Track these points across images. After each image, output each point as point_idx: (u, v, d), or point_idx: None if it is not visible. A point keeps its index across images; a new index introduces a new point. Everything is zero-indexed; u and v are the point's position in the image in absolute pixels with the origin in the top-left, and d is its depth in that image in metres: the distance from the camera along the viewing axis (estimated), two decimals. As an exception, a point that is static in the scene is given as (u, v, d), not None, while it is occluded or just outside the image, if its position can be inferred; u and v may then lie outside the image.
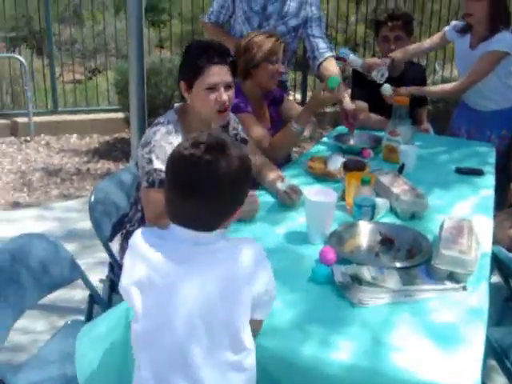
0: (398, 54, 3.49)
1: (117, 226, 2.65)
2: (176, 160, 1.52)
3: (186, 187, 1.48)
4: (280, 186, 2.37)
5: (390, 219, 2.31)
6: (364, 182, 2.22)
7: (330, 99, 2.89)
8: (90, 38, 7.28)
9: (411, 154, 2.81)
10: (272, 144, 2.91)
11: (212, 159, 1.46)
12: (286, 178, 2.44)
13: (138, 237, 1.57)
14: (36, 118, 6.06)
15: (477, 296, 1.82)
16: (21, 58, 5.99)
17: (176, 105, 2.52)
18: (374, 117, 3.40)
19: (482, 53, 3.31)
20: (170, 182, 1.52)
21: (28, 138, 5.94)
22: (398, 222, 2.30)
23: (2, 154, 5.60)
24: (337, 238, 2.08)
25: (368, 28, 8.31)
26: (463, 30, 3.45)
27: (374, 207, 2.22)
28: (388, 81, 3.42)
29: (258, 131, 2.93)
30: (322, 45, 3.51)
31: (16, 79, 6.39)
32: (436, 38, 3.66)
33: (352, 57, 3.45)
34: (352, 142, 3.17)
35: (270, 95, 3.17)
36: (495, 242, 2.89)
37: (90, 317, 2.39)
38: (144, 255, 1.51)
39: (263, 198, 2.47)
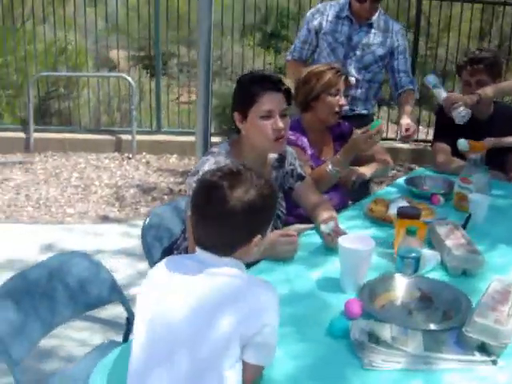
0: (487, 91, 3.20)
1: (167, 251, 2.65)
2: (197, 185, 1.64)
3: (200, 210, 1.58)
4: (323, 228, 2.27)
5: (439, 274, 2.14)
6: (409, 232, 2.07)
7: (366, 143, 2.73)
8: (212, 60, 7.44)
9: (482, 203, 2.61)
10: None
11: (225, 185, 1.53)
12: (332, 221, 2.32)
13: (157, 267, 1.62)
14: (140, 137, 6.28)
15: (509, 373, 1.63)
16: (129, 79, 6.24)
17: (232, 136, 2.49)
18: (457, 161, 3.20)
19: None
20: (191, 204, 1.62)
21: (130, 155, 6.16)
22: (447, 278, 2.12)
23: (103, 169, 5.84)
24: (369, 290, 1.94)
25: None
26: None
27: (418, 260, 2.06)
28: (473, 124, 3.22)
29: None
30: (404, 79, 3.51)
31: (126, 98, 6.66)
32: None
33: (435, 87, 3.28)
34: (426, 186, 3.00)
35: (336, 129, 3.09)
36: None
37: (126, 339, 2.39)
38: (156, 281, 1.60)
39: (311, 238, 2.38)
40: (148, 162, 6.08)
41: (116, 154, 6.24)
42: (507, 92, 3.39)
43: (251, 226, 1.57)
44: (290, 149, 2.64)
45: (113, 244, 4.30)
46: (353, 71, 3.48)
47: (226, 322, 1.44)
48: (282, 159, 2.58)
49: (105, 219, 4.78)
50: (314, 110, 2.94)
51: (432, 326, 1.77)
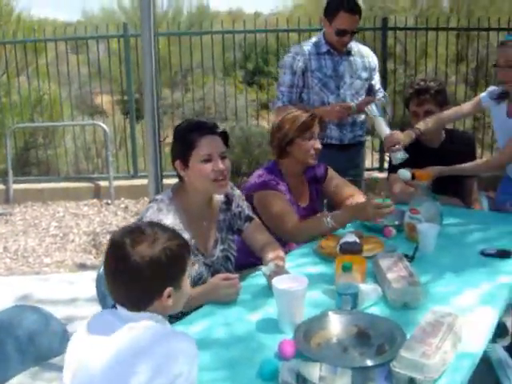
0: (428, 124, 3.27)
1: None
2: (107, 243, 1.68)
3: (107, 268, 1.63)
4: (264, 269, 2.28)
5: (380, 308, 2.15)
6: (345, 269, 2.09)
7: (373, 213, 2.74)
8: (193, 101, 7.55)
9: (430, 233, 2.62)
10: (299, 228, 2.84)
11: (128, 242, 1.58)
12: (272, 262, 2.33)
13: (81, 324, 1.66)
14: (118, 182, 6.33)
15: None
16: (103, 126, 6.31)
17: (175, 183, 2.53)
18: (412, 191, 3.22)
19: None
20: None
21: (109, 201, 6.20)
22: (387, 311, 2.13)
23: (82, 216, 5.87)
24: (305, 329, 1.94)
25: (469, 88, 8.07)
26: (500, 98, 3.24)
27: (356, 295, 2.07)
28: (425, 152, 3.27)
29: (282, 211, 2.88)
30: (381, 95, 3.78)
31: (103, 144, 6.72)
32: (471, 104, 3.43)
33: (377, 118, 3.35)
34: (379, 218, 3.01)
35: (310, 173, 3.13)
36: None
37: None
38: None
39: (255, 280, 2.39)
40: (126, 207, 6.12)
41: (95, 200, 6.29)
42: (446, 121, 3.42)
43: (158, 280, 1.61)
44: (237, 191, 2.68)
45: (88, 292, 4.29)
46: (347, 99, 3.64)
47: (141, 376, 1.45)
48: (229, 202, 2.61)
49: (82, 267, 4.80)
50: (291, 155, 3.01)
51: (364, 363, 1.78)
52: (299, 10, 12.39)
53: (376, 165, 6.77)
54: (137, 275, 1.57)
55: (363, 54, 3.76)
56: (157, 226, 1.70)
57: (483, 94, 3.37)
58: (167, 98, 7.86)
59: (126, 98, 8.40)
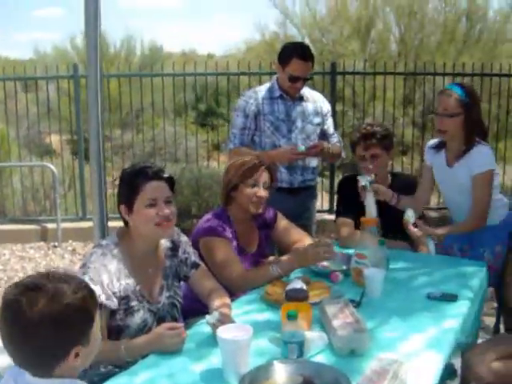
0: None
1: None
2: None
3: (3, 328, 1.47)
4: (208, 318, 2.23)
5: (327, 355, 2.13)
6: (289, 317, 2.06)
7: (314, 259, 2.77)
8: (146, 141, 7.53)
9: (376, 277, 2.62)
10: (244, 277, 2.81)
11: (24, 301, 1.44)
12: (216, 311, 2.28)
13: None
14: (66, 224, 6.21)
15: None
16: (51, 167, 6.22)
17: (120, 227, 2.49)
18: (360, 235, 3.23)
19: (465, 172, 3.15)
20: None
21: (56, 244, 6.07)
22: (334, 359, 2.11)
23: (28, 259, 5.72)
24: (250, 380, 1.90)
25: (417, 130, 8.24)
26: (438, 147, 3.30)
27: (301, 344, 2.05)
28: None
29: (226, 259, 2.85)
30: (335, 140, 3.87)
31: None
32: (425, 173, 3.47)
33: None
34: (325, 263, 3.00)
35: (259, 219, 3.12)
36: (472, 378, 2.66)
37: None
38: None
39: (201, 328, 2.33)
40: (74, 250, 5.99)
41: (42, 243, 6.14)
42: (423, 203, 3.53)
43: (62, 340, 1.48)
44: (184, 237, 2.65)
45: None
46: (299, 143, 3.67)
47: None
48: (175, 248, 2.58)
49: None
50: (235, 201, 3.00)
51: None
52: (251, 53, 12.55)
53: (326, 207, 6.81)
54: (35, 337, 1.43)
55: (315, 100, 3.82)
56: (58, 278, 1.54)
57: (424, 157, 3.46)
58: (118, 138, 7.82)
59: (75, 137, 8.37)
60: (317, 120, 3.78)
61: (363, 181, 3.07)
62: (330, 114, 3.90)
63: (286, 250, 3.14)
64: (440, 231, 3.22)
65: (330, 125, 3.88)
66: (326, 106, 3.88)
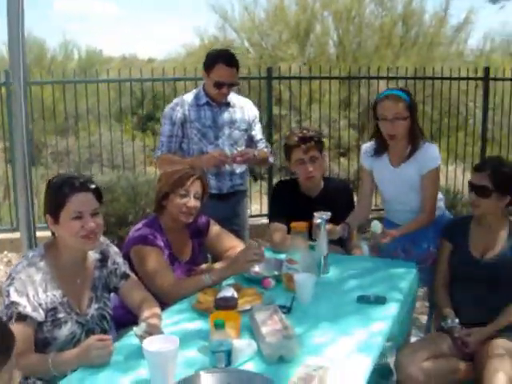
0: (354, 221, 3.36)
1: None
2: None
3: None
4: (135, 329, 2.20)
5: (256, 363, 2.12)
6: (217, 326, 2.05)
7: (246, 263, 2.78)
8: (83, 148, 7.38)
9: (306, 283, 2.64)
10: (176, 286, 2.78)
11: None
12: (144, 322, 2.25)
13: None
14: (0, 235, 6.05)
15: None
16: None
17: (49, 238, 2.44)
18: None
19: (414, 171, 3.24)
20: None
21: (-10, 256, 5.91)
22: (263, 366, 2.10)
23: (-38, 273, 5.55)
24: (176, 391, 1.89)
25: (356, 132, 8.37)
26: (379, 152, 3.35)
27: (229, 352, 2.04)
28: (306, 202, 3.34)
29: (157, 268, 2.82)
30: (262, 146, 3.88)
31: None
32: (364, 179, 3.53)
33: None
34: (257, 268, 3.01)
35: (191, 227, 3.10)
36: (404, 379, 2.71)
37: None
38: None
39: (130, 340, 2.29)
40: (9, 261, 5.84)
41: (-23, 255, 5.97)
42: (367, 211, 3.59)
43: None
44: (113, 248, 2.61)
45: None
46: (226, 149, 3.67)
47: None
48: (104, 258, 2.54)
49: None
50: (166, 209, 2.98)
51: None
52: (191, 58, 12.53)
53: (265, 211, 6.80)
54: None
55: (242, 106, 3.83)
56: None
57: (361, 162, 3.52)
58: (56, 145, 7.65)
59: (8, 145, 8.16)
60: (244, 126, 3.79)
61: (318, 218, 3.03)
62: (257, 120, 3.91)
63: (220, 257, 3.13)
64: (396, 233, 3.23)
65: (257, 131, 3.90)
66: (254, 112, 3.89)
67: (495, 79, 7.68)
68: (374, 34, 12.03)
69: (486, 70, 7.50)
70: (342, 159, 8.58)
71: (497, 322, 2.87)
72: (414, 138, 3.23)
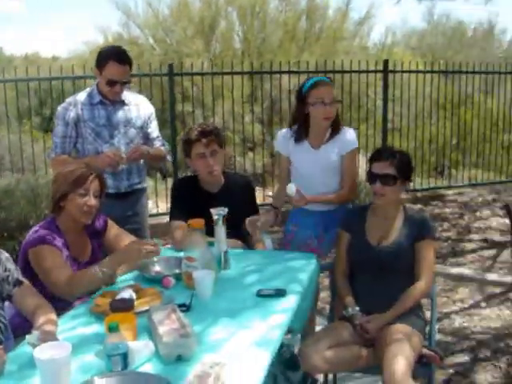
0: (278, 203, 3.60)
1: None
2: None
3: None
4: (28, 338, 2.13)
5: (154, 364, 2.10)
6: (111, 329, 2.02)
7: (138, 255, 2.77)
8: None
9: (205, 280, 2.64)
10: (71, 282, 2.72)
11: None
12: (37, 331, 2.18)
13: None
14: None
15: None
16: None
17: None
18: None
19: (336, 152, 3.45)
20: None
21: None
22: (161, 366, 2.08)
23: None
24: (69, 399, 1.85)
25: (263, 127, 8.43)
26: (301, 137, 3.49)
27: (125, 355, 2.01)
28: (206, 197, 3.34)
29: (54, 266, 2.76)
30: (159, 144, 3.86)
31: None
32: (282, 164, 3.66)
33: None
34: (158, 268, 2.98)
35: (89, 227, 3.03)
36: (308, 369, 2.75)
37: None
38: None
39: (25, 349, 2.22)
40: None
41: None
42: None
43: None
44: (4, 254, 2.53)
45: None
46: (122, 148, 3.61)
47: None
48: (-6, 264, 2.45)
49: None
50: (65, 210, 2.91)
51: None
52: (95, 55, 12.25)
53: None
54: None
55: (137, 103, 3.79)
56: None
57: (278, 149, 3.64)
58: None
59: None
60: (139, 123, 3.75)
61: (215, 215, 3.02)
62: (153, 117, 3.87)
63: None
64: (311, 197, 3.37)
65: (153, 128, 3.86)
66: (149, 110, 3.86)
67: (394, 71, 7.94)
68: (279, 29, 12.17)
69: (386, 62, 7.73)
70: (250, 154, 8.65)
71: (395, 308, 2.96)
72: (337, 121, 3.46)
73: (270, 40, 11.93)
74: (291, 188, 3.28)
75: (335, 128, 3.45)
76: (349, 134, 3.48)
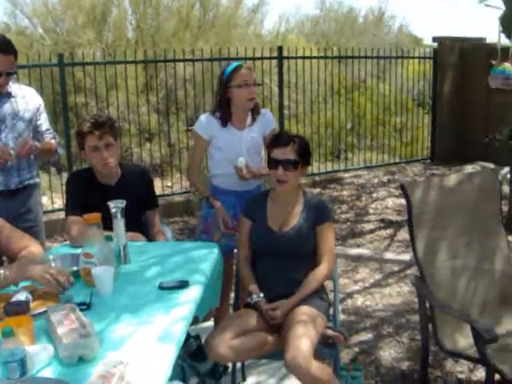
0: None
1: None
2: None
3: None
4: None
5: (55, 368, 2.01)
6: (5, 334, 1.92)
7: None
8: None
9: (105, 276, 2.56)
10: None
11: None
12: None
13: None
14: None
15: None
16: None
17: None
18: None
19: (259, 131, 3.67)
20: None
21: None
22: (63, 368, 2.00)
23: None
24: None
25: (159, 116, 8.29)
26: (226, 120, 3.58)
27: (22, 361, 1.91)
28: (104, 190, 3.26)
29: None
30: (50, 136, 3.74)
31: None
32: (198, 148, 3.72)
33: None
34: (56, 265, 2.86)
35: None
36: (215, 359, 2.74)
37: None
38: None
39: None
40: None
41: None
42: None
43: None
44: None
45: None
46: (10, 142, 3.45)
47: None
48: None
49: None
50: None
51: None
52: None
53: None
54: None
55: (25, 95, 3.62)
56: None
57: (199, 133, 3.64)
58: None
59: None
60: (28, 116, 3.59)
61: (113, 208, 2.92)
62: (42, 109, 3.72)
63: (14, 258, 2.94)
64: (264, 171, 3.50)
65: (43, 121, 3.71)
66: (37, 101, 3.70)
67: (288, 58, 8.03)
68: (172, 17, 12.02)
69: (280, 49, 7.80)
70: (149, 144, 8.50)
71: (299, 292, 2.99)
72: (256, 104, 3.65)
73: (163, 28, 11.74)
74: (241, 162, 3.48)
75: (256, 110, 3.66)
76: (268, 115, 3.76)
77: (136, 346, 2.14)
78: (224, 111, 3.59)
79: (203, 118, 3.65)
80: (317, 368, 2.66)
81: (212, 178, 3.73)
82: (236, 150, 3.57)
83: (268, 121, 3.73)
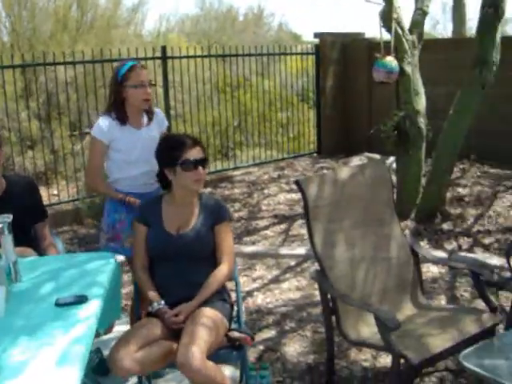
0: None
1: None
2: None
3: None
4: None
5: None
6: None
7: None
8: None
9: (-5, 297, 2.40)
10: None
11: None
12: None
13: None
14: None
15: None
16: None
17: None
18: None
19: (156, 129, 3.61)
20: None
21: None
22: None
23: None
24: None
25: (41, 122, 7.94)
26: (124, 120, 3.49)
27: None
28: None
29: None
30: None
31: None
32: (96, 153, 3.54)
33: None
34: None
35: None
36: (119, 372, 2.64)
37: None
38: None
39: None
40: None
41: None
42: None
43: None
44: None
45: None
46: None
47: None
48: None
49: None
50: None
51: None
52: None
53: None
54: None
55: None
56: None
57: (98, 138, 3.48)
58: None
59: None
60: None
61: (0, 223, 2.71)
62: None
63: None
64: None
65: None
66: None
67: (172, 58, 7.94)
68: (49, 19, 11.60)
69: (163, 49, 7.69)
70: (29, 152, 8.14)
71: (200, 294, 2.95)
72: (150, 103, 3.60)
73: (40, 31, 11.31)
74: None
75: (149, 110, 3.60)
76: (160, 114, 3.72)
77: (36, 371, 2.01)
78: (119, 111, 3.48)
79: (102, 122, 3.52)
80: (209, 369, 2.65)
81: (113, 183, 3.56)
82: (137, 150, 3.49)
83: (162, 119, 3.72)
